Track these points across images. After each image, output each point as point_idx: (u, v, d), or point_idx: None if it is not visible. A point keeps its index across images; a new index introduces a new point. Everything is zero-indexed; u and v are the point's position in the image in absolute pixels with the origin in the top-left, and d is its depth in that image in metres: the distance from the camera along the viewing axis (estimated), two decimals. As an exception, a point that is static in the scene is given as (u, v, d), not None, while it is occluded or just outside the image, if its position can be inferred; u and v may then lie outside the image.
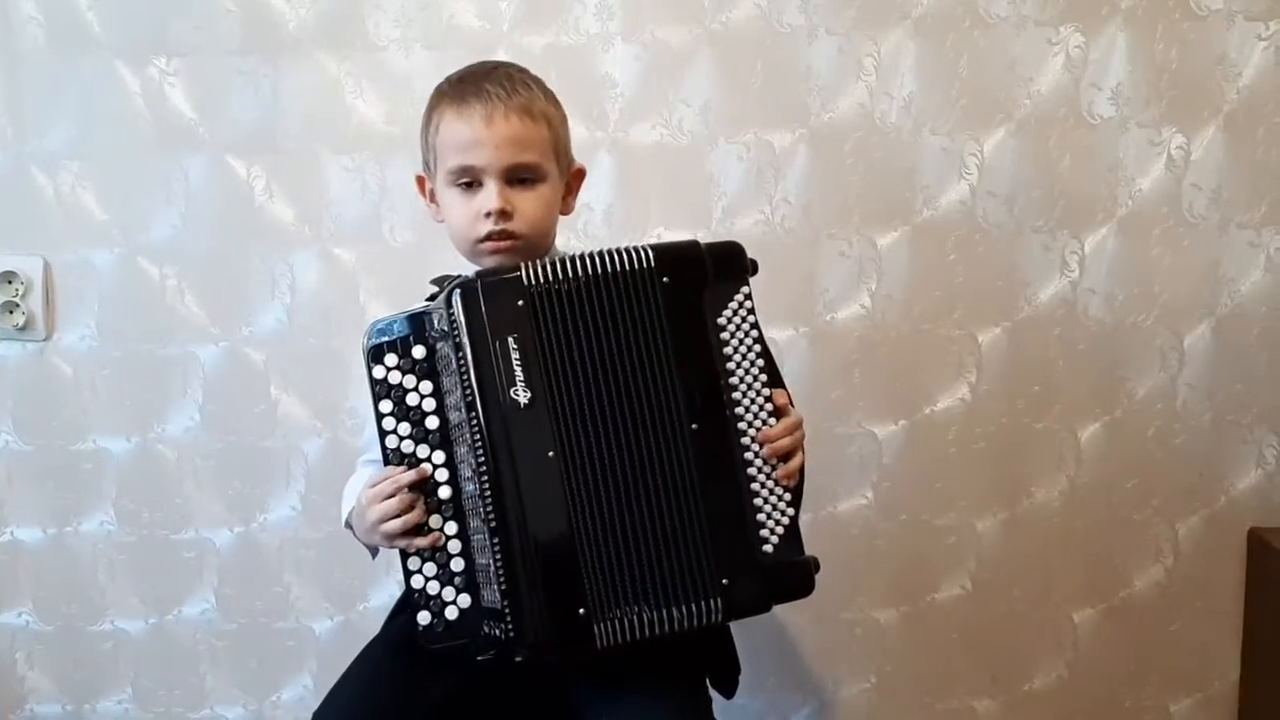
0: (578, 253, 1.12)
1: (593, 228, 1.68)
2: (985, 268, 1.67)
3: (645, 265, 1.12)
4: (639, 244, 1.13)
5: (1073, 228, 1.66)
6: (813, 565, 1.16)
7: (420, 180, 1.31)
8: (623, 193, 1.68)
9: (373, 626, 1.70)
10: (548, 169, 1.22)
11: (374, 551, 1.26)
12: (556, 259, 1.11)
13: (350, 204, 1.71)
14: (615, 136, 1.67)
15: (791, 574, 1.15)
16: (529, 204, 1.20)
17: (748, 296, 1.15)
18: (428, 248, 1.69)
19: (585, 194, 1.66)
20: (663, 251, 1.13)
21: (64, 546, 1.80)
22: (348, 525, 1.26)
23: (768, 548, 1.14)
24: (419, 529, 1.13)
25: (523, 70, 1.25)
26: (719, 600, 1.12)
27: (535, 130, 1.20)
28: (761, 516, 1.14)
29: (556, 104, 1.25)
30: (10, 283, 1.73)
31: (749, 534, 1.13)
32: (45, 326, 1.75)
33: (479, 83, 1.20)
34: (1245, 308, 1.66)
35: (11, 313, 1.74)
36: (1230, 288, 1.66)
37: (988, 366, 1.69)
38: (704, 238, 1.66)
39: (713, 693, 1.28)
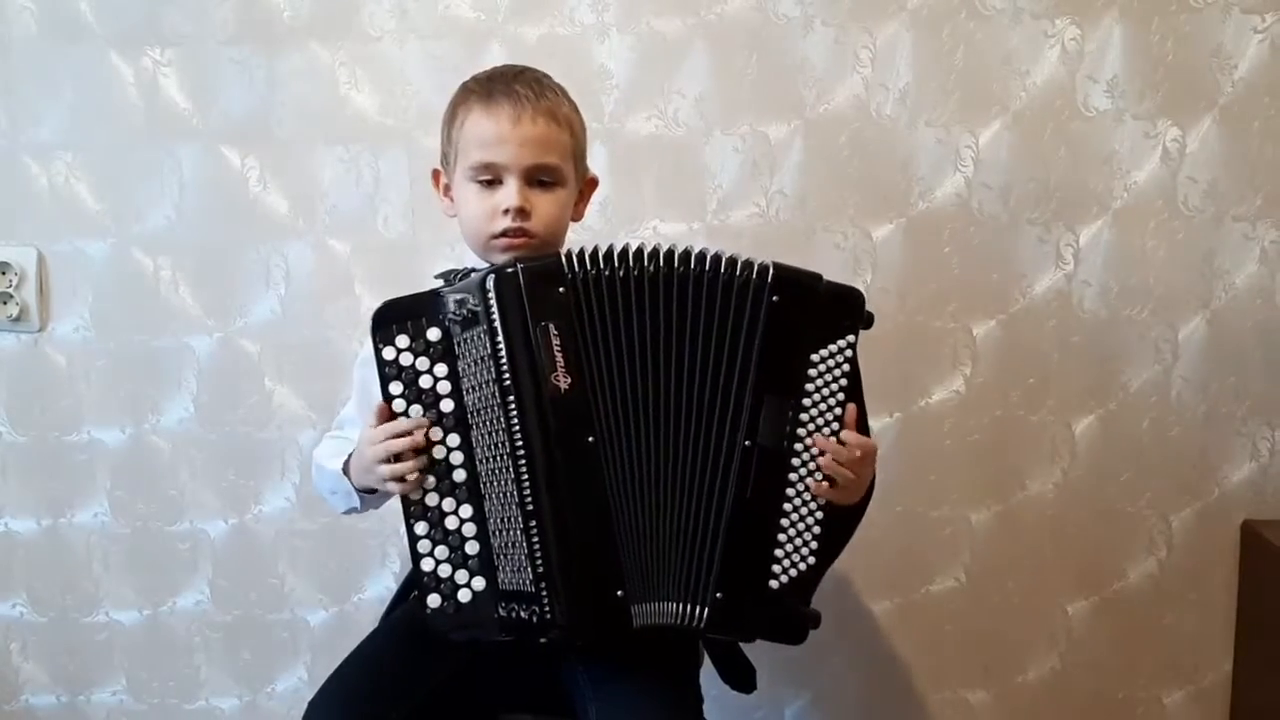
0: (685, 246, 1.13)
1: (588, 219, 1.66)
2: (980, 260, 1.67)
3: (760, 278, 1.13)
4: (763, 259, 1.14)
5: (1068, 220, 1.66)
6: (811, 619, 1.16)
7: (436, 174, 1.32)
8: (618, 184, 1.68)
9: (367, 617, 1.72)
10: (566, 173, 1.24)
11: (367, 496, 1.25)
12: (664, 247, 1.13)
13: (344, 195, 1.70)
14: (610, 128, 1.67)
15: (787, 618, 1.15)
16: (546, 205, 1.22)
17: (851, 345, 1.15)
18: (421, 239, 1.69)
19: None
20: (783, 271, 1.14)
21: (58, 538, 1.80)
22: (344, 472, 1.25)
23: (774, 583, 1.14)
24: (406, 469, 1.12)
25: (548, 76, 1.27)
26: (705, 610, 1.13)
27: (559, 134, 1.22)
28: (780, 553, 1.14)
29: (578, 112, 1.27)
30: (4, 274, 1.73)
31: (761, 564, 1.13)
32: (39, 318, 1.75)
33: (508, 83, 1.22)
34: (1240, 301, 1.66)
35: (5, 304, 1.73)
36: (1225, 280, 1.66)
37: (982, 359, 1.70)
38: (699, 230, 1.69)
39: (721, 685, 1.28)
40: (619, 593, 1.11)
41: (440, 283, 1.19)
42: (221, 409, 1.76)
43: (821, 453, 1.14)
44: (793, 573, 1.14)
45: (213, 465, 1.78)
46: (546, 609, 1.10)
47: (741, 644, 1.27)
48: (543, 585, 1.10)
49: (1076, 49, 1.62)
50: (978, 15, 1.62)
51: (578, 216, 1.31)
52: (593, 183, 1.33)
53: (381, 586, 1.78)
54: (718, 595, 1.13)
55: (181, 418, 1.77)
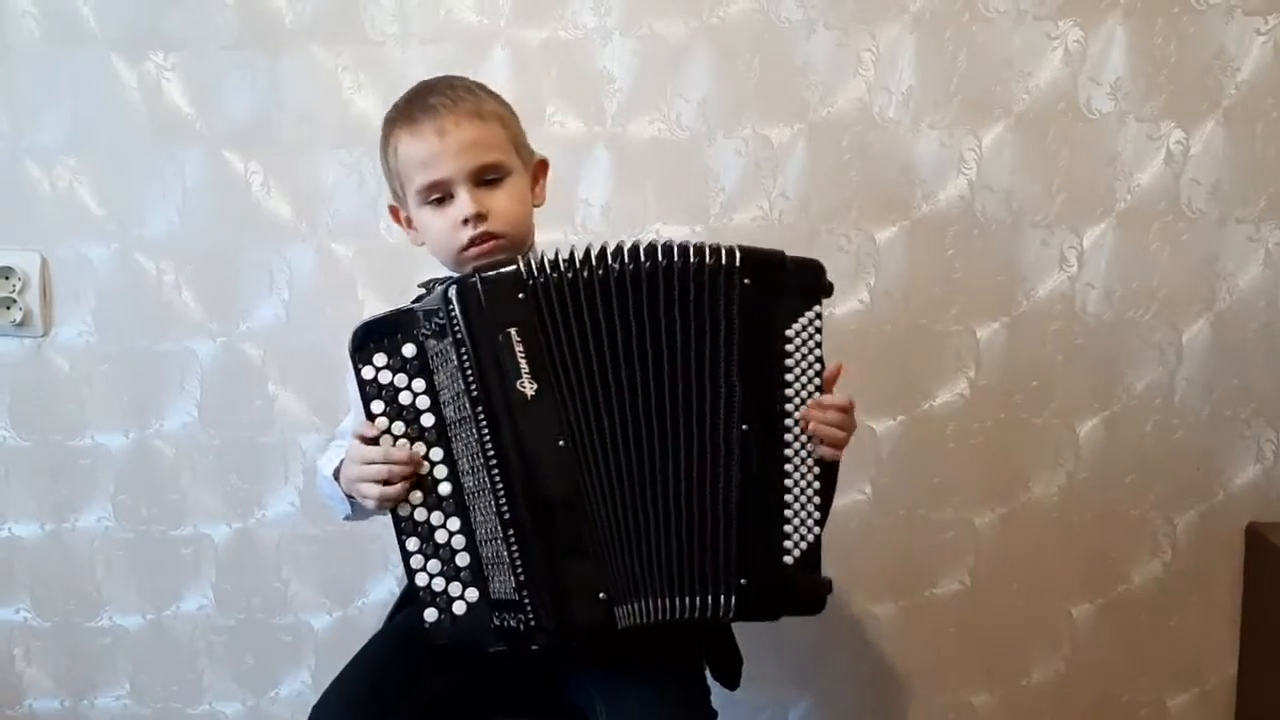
0: (649, 240, 1.13)
1: (591, 223, 1.68)
2: (983, 263, 1.67)
3: (729, 262, 1.13)
4: (725, 242, 1.14)
5: (1071, 223, 1.66)
6: (827, 587, 1.17)
7: (394, 210, 1.32)
8: (621, 188, 1.68)
9: (371, 621, 1.71)
10: (511, 164, 1.24)
11: (355, 507, 1.25)
12: (628, 243, 1.12)
13: (347, 199, 1.70)
14: (613, 131, 1.67)
15: (806, 590, 1.16)
16: (501, 201, 1.22)
17: (819, 316, 1.16)
18: (425, 243, 1.69)
19: (583, 189, 1.68)
20: (749, 253, 1.14)
21: (62, 542, 1.80)
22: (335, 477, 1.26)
23: (789, 559, 1.15)
24: (398, 495, 1.12)
25: (463, 78, 1.27)
26: (732, 598, 1.13)
27: (489, 130, 1.22)
28: (789, 528, 1.14)
29: (503, 102, 1.27)
30: (7, 279, 1.73)
31: (775, 542, 1.14)
32: (42, 322, 1.75)
33: (424, 99, 1.23)
34: (1244, 303, 1.66)
35: (8, 309, 1.73)
36: (1229, 283, 1.66)
37: (986, 362, 1.69)
38: (702, 233, 1.69)
39: (715, 685, 1.28)
40: (601, 595, 1.11)
41: (422, 292, 1.19)
42: (224, 413, 1.76)
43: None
44: (804, 545, 1.15)
45: (216, 469, 1.78)
46: (531, 616, 1.10)
47: (739, 630, 1.28)
48: (525, 593, 1.10)
49: (1079, 51, 1.62)
50: (980, 18, 1.62)
51: (538, 201, 1.31)
52: (543, 164, 1.33)
53: (384, 590, 1.78)
54: (741, 581, 1.13)
55: (184, 422, 1.77)
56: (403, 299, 1.17)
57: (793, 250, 1.18)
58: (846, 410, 1.17)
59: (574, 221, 1.68)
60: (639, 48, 1.65)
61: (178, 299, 1.74)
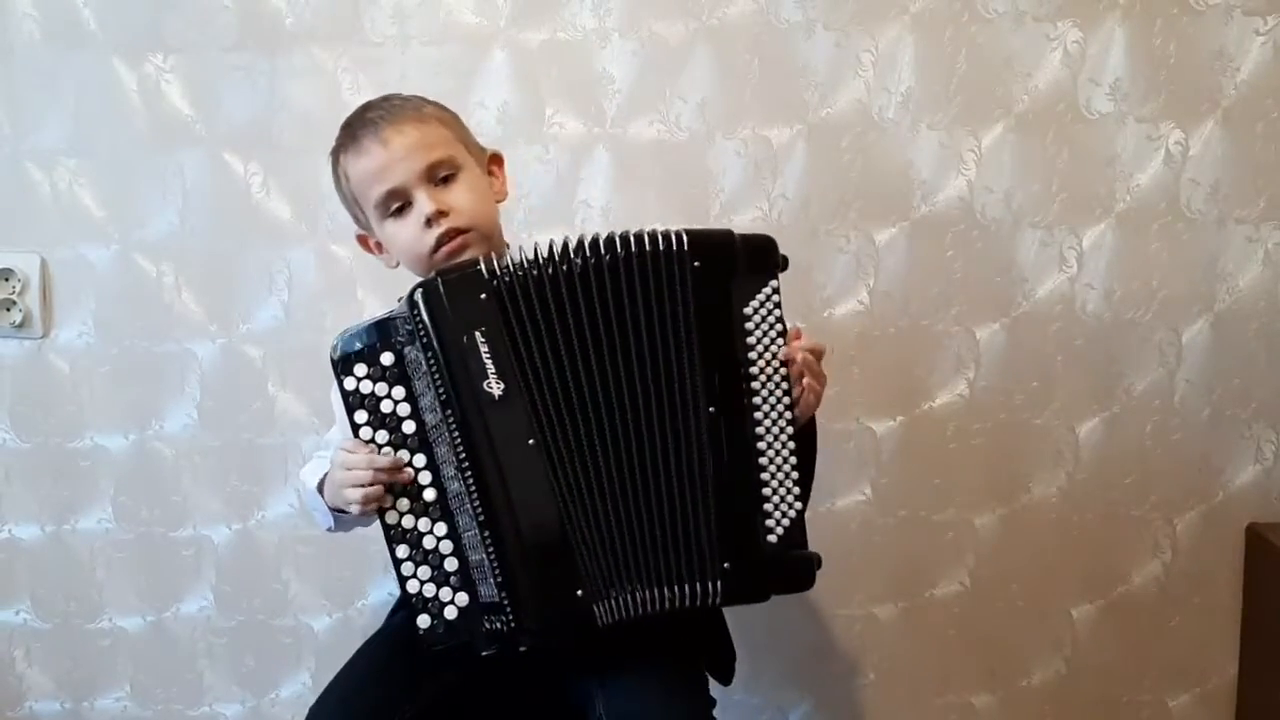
0: (602, 233, 1.13)
1: (590, 224, 1.68)
2: (983, 263, 1.67)
3: (677, 248, 1.13)
4: (672, 227, 1.14)
5: (1070, 223, 1.66)
6: (815, 561, 1.17)
7: (362, 239, 1.33)
8: (620, 189, 1.68)
9: (371, 623, 1.71)
10: (461, 159, 1.24)
11: (341, 517, 1.25)
12: (588, 237, 1.13)
13: (347, 200, 1.70)
14: (613, 133, 1.67)
15: (793, 567, 1.16)
16: (459, 196, 1.22)
17: (776, 290, 1.16)
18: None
19: (583, 190, 1.68)
20: (697, 236, 1.14)
21: (62, 544, 1.80)
22: (318, 490, 1.26)
23: (772, 538, 1.15)
24: (381, 500, 1.13)
25: (397, 93, 1.29)
26: (718, 583, 1.14)
27: (431, 130, 1.23)
28: (769, 507, 1.15)
29: (442, 106, 1.29)
30: (7, 280, 1.73)
31: (755, 522, 1.14)
32: (42, 324, 1.75)
33: (361, 117, 1.25)
34: (1243, 303, 1.66)
35: (8, 310, 1.73)
36: (1228, 283, 1.66)
37: (986, 362, 1.69)
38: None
39: (711, 682, 1.28)
40: (579, 592, 1.11)
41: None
42: (225, 415, 1.76)
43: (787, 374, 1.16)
44: (785, 522, 1.15)
45: (216, 471, 1.78)
46: (511, 617, 1.10)
47: (736, 628, 1.28)
48: (504, 595, 1.11)
49: (1079, 52, 1.62)
50: (979, 19, 1.62)
51: (500, 196, 1.31)
52: (497, 158, 1.33)
53: (385, 592, 1.78)
54: (725, 565, 1.13)
55: (185, 424, 1.77)
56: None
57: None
58: (814, 351, 1.16)
59: (574, 223, 1.68)
60: (638, 49, 1.65)
61: (178, 301, 1.74)
